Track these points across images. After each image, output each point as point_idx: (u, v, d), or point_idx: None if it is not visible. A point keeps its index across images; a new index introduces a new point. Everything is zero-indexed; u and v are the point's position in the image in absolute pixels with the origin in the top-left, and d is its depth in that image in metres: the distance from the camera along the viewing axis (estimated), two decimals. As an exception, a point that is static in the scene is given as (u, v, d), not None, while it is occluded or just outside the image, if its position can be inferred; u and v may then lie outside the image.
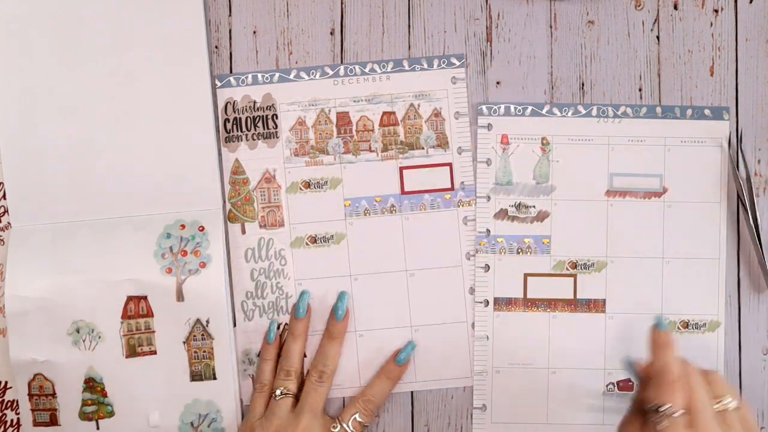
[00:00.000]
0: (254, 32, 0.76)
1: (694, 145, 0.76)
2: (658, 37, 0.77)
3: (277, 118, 0.76)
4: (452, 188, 0.76)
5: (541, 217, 0.76)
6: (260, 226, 0.76)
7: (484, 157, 0.76)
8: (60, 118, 0.73)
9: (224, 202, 0.75)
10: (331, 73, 0.76)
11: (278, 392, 0.71)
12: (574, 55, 0.77)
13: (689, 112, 0.76)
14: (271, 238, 0.76)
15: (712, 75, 0.77)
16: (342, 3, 0.77)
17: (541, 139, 0.76)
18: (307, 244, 0.76)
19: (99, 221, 0.73)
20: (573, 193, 0.76)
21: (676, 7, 0.77)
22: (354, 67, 0.76)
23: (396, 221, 0.76)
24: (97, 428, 0.71)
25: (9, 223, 0.73)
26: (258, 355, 0.75)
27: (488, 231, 0.76)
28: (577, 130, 0.76)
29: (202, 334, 0.72)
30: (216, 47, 0.76)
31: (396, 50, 0.76)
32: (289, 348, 0.73)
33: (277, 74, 0.76)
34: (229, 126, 0.76)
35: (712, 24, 0.77)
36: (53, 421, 0.70)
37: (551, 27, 0.77)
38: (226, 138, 0.76)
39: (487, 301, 0.76)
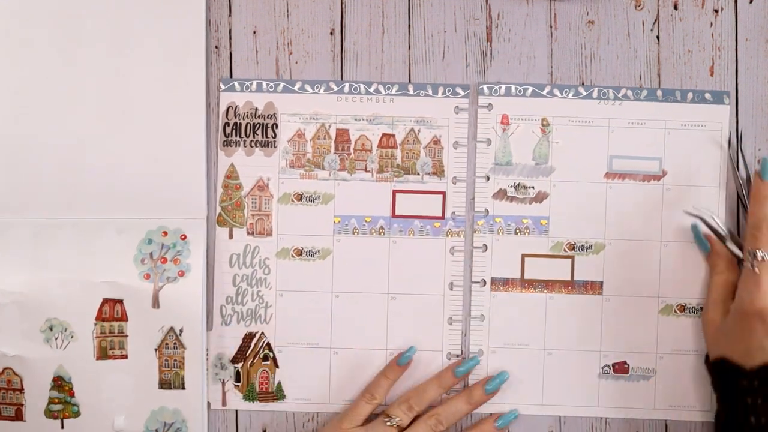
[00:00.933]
0: (254, 32, 0.78)
1: (695, 129, 0.77)
2: (658, 37, 0.78)
3: (276, 127, 0.78)
4: (443, 217, 0.77)
5: (540, 198, 0.78)
6: (248, 233, 0.77)
7: (484, 137, 0.78)
8: (53, 114, 0.75)
9: (209, 210, 0.76)
10: (335, 89, 0.78)
11: (393, 419, 0.73)
12: (574, 55, 0.78)
13: (690, 95, 0.77)
14: (257, 246, 0.77)
15: (712, 75, 0.78)
16: (342, 3, 0.78)
17: (541, 119, 0.78)
18: (292, 256, 0.77)
19: (82, 220, 0.75)
20: (572, 174, 0.78)
21: (676, 7, 0.78)
22: (359, 86, 0.77)
23: (383, 243, 0.77)
24: (62, 427, 0.74)
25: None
26: (231, 361, 0.77)
27: (487, 211, 0.78)
28: (578, 111, 0.78)
29: (175, 343, 0.74)
30: (216, 47, 0.77)
31: (396, 50, 0.78)
32: (427, 390, 0.75)
33: (282, 84, 0.78)
34: (228, 130, 0.77)
35: (712, 24, 0.77)
36: (18, 416, 0.74)
37: (551, 27, 0.78)
38: (224, 142, 0.77)
39: (484, 281, 0.77)
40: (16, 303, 0.73)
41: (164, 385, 0.74)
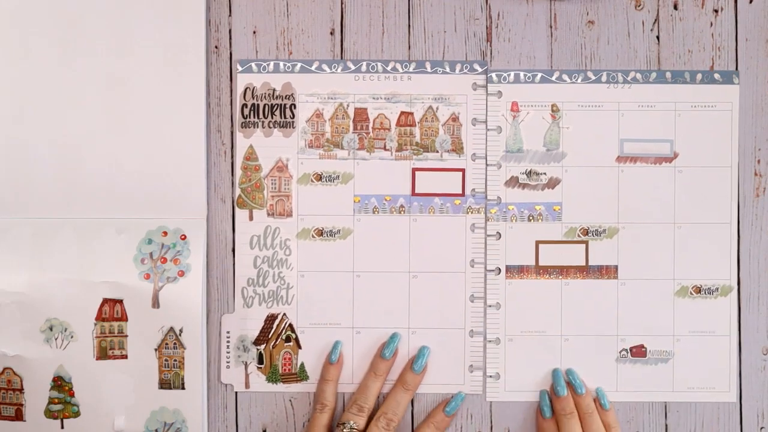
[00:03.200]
0: (254, 32, 0.83)
1: (705, 110, 0.82)
2: (658, 37, 0.82)
3: (295, 108, 0.83)
4: (463, 194, 0.82)
5: (552, 184, 0.83)
6: (268, 215, 0.82)
7: (495, 124, 0.82)
8: (53, 114, 0.80)
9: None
10: (353, 68, 0.82)
11: (348, 425, 0.77)
12: (574, 55, 0.83)
13: (699, 76, 0.82)
14: (277, 227, 0.82)
15: (712, 75, 0.82)
16: (342, 3, 0.83)
17: (551, 105, 0.83)
18: (313, 236, 0.82)
19: (82, 221, 0.80)
20: (584, 159, 0.83)
21: (676, 7, 0.82)
22: (376, 65, 0.82)
23: (404, 222, 0.82)
24: (62, 427, 0.78)
25: (-11, 215, 0.81)
26: (253, 343, 0.81)
27: (499, 199, 0.82)
28: (587, 96, 0.83)
29: (175, 343, 0.78)
30: (216, 47, 0.83)
31: (396, 50, 0.83)
32: (368, 385, 0.79)
33: (299, 64, 0.83)
34: (246, 111, 0.82)
35: (712, 24, 0.82)
36: (18, 416, 0.78)
37: (551, 27, 0.83)
38: (242, 123, 0.82)
39: (499, 269, 0.82)
40: (16, 303, 0.77)
41: (164, 385, 0.78)
